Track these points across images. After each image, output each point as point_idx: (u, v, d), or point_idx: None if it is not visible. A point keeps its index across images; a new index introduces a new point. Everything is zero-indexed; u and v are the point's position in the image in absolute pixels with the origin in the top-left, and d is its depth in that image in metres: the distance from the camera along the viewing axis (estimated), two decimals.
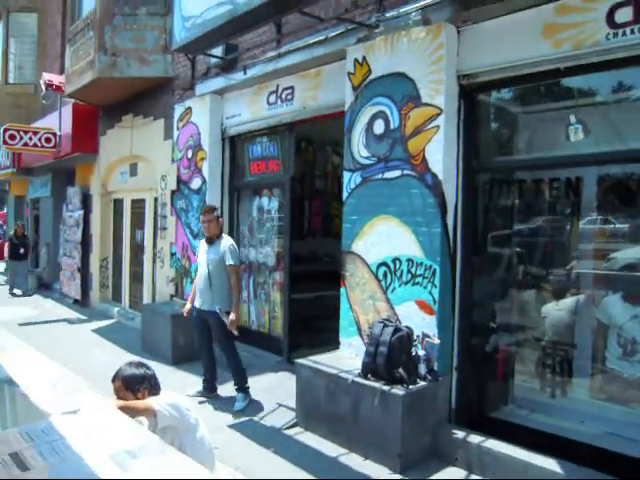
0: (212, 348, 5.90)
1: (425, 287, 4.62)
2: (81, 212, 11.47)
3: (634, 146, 4.02)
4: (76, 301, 11.70)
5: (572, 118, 4.35)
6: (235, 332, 5.60)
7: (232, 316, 5.55)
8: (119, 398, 3.15)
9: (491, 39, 4.45)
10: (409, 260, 4.73)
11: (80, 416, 1.66)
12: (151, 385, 3.22)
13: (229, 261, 5.60)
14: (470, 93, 4.69)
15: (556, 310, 4.72)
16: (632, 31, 3.72)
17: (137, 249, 10.04)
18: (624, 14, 3.75)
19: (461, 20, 4.57)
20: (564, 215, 4.86)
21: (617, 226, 4.52)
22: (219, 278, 5.65)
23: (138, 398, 3.13)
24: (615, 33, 3.79)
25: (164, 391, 3.30)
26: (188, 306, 6.00)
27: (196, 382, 5.98)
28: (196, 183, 7.73)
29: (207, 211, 5.85)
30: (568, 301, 4.67)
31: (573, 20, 3.99)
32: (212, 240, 5.76)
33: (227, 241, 5.74)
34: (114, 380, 3.23)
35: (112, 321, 9.96)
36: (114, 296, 10.96)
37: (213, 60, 7.04)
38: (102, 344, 8.24)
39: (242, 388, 5.66)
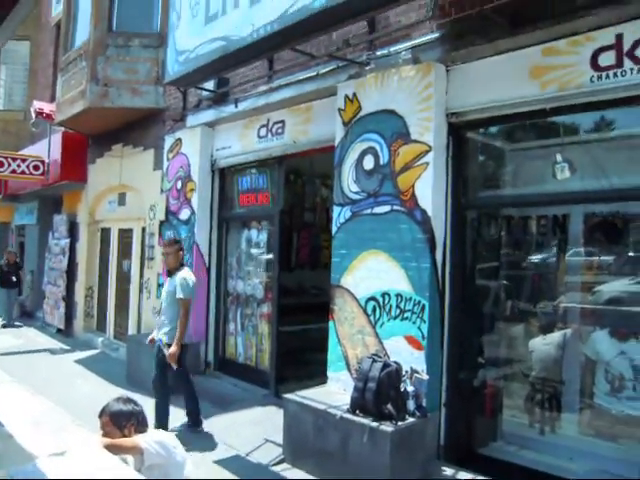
0: (188, 379, 5.82)
1: (414, 322, 4.62)
2: (67, 240, 11.38)
3: (619, 185, 4.11)
4: (59, 330, 11.52)
5: (558, 157, 4.45)
6: (174, 366, 5.55)
7: (171, 349, 5.51)
8: (105, 434, 3.09)
9: (479, 79, 4.56)
10: (398, 295, 4.74)
11: (67, 458, 1.64)
12: (138, 422, 3.17)
13: (179, 294, 5.60)
14: (459, 130, 4.78)
15: (543, 345, 4.73)
16: (615, 74, 3.85)
17: (124, 279, 9.96)
18: (607, 58, 3.88)
19: (450, 60, 4.68)
20: (551, 250, 4.92)
21: (602, 258, 4.59)
22: (171, 310, 5.67)
23: (125, 435, 3.08)
24: (599, 76, 3.92)
25: (151, 428, 3.25)
26: (151, 336, 5.99)
27: (181, 416, 5.88)
28: (185, 214, 7.73)
29: (168, 243, 5.99)
30: (555, 335, 4.69)
31: (559, 62, 4.12)
32: (171, 272, 5.82)
33: (182, 274, 5.72)
34: (101, 415, 3.18)
35: (96, 351, 9.81)
36: (98, 326, 10.81)
37: (205, 93, 7.11)
38: (85, 375, 8.10)
39: (159, 425, 5.31)
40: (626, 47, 3.79)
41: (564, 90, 4.08)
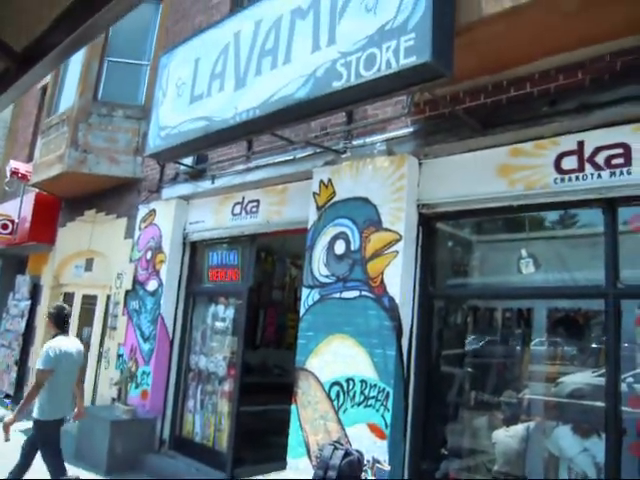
0: (55, 458, 5.30)
1: (377, 410, 4.56)
2: (28, 302, 11.07)
3: (581, 282, 4.26)
4: (7, 396, 10.96)
5: (523, 252, 4.58)
6: (3, 436, 5.01)
7: (7, 417, 5.09)
8: None
9: (450, 173, 4.76)
10: (362, 381, 4.70)
11: None
12: None
13: (36, 364, 5.27)
14: (429, 221, 4.93)
15: (506, 437, 4.68)
16: (577, 178, 4.05)
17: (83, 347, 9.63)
18: (570, 162, 4.11)
19: (423, 154, 4.90)
20: (515, 341, 4.99)
21: (566, 349, 4.67)
22: None
23: None
24: (562, 178, 4.13)
25: None
26: None
27: None
28: (152, 285, 7.64)
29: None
30: (518, 428, 4.64)
31: (525, 163, 4.34)
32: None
33: (47, 343, 5.38)
34: None
35: None
36: None
37: (182, 167, 7.23)
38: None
39: None
40: (587, 153, 4.03)
41: (530, 189, 4.28)
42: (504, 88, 4.41)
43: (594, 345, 4.53)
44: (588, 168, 4.01)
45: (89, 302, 9.74)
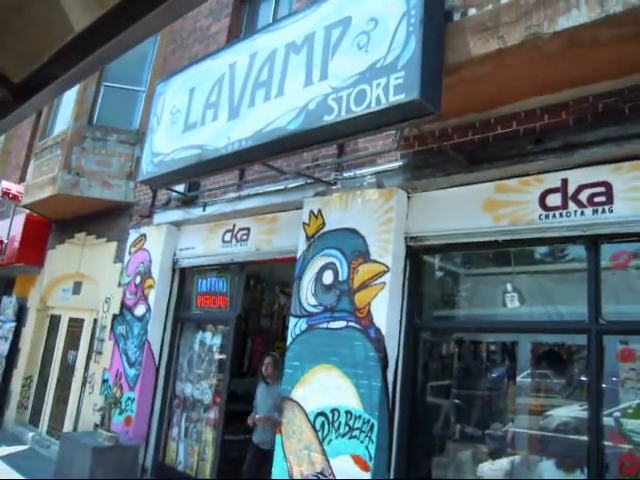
0: None
1: (362, 441, 4.55)
2: (13, 324, 10.96)
3: (565, 316, 4.32)
4: None
5: (509, 286, 4.64)
6: None
7: None
8: None
9: (438, 207, 4.84)
10: (348, 412, 4.69)
11: None
12: None
13: None
14: (416, 254, 4.99)
15: (491, 470, 4.67)
16: (561, 215, 4.14)
17: (67, 371, 9.51)
18: (554, 199, 4.20)
19: (412, 187, 4.98)
20: (500, 374, 5.01)
21: (550, 382, 4.69)
22: None
23: None
24: (547, 215, 4.20)
25: None
26: None
27: None
28: (140, 310, 7.60)
29: None
30: (503, 462, 4.64)
31: (511, 199, 4.42)
32: None
33: None
34: None
35: (25, 447, 9.16)
36: (32, 419, 10.17)
37: (174, 193, 7.28)
38: (8, 475, 7.49)
39: None
40: (571, 191, 4.13)
41: (515, 225, 4.36)
42: (491, 126, 4.52)
43: (578, 379, 4.57)
44: (572, 205, 4.10)
45: (76, 325, 9.67)
